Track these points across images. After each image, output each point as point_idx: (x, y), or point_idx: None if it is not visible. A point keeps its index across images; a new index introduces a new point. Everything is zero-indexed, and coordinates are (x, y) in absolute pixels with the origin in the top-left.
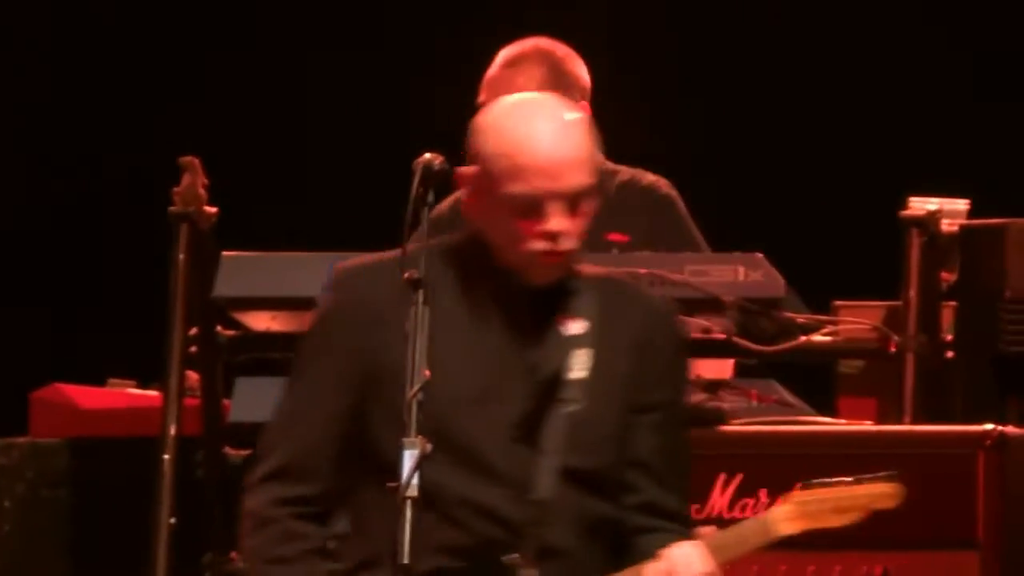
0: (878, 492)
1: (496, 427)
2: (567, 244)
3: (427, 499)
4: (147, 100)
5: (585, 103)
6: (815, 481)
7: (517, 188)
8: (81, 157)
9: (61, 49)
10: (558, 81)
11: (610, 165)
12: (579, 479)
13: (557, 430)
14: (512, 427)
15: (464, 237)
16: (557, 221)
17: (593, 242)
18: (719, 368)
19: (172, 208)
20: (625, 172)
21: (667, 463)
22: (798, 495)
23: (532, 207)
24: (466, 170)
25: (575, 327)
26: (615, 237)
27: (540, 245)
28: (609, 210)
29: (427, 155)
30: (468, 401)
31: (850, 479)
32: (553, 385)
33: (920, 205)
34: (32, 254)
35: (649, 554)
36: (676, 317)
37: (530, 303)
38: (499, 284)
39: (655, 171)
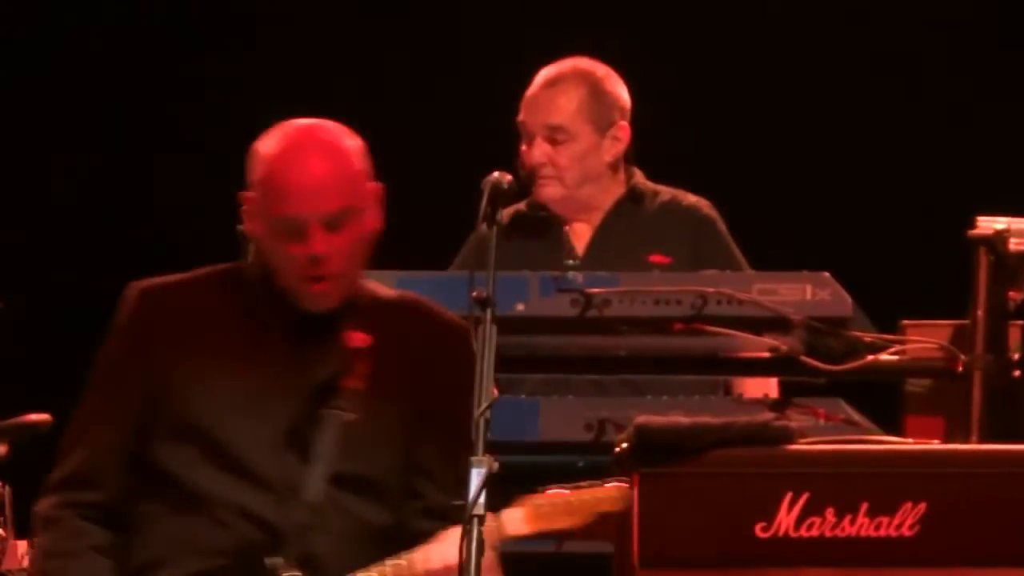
0: (603, 496)
1: (265, 435)
2: (329, 266)
3: (195, 503)
4: (219, 112)
5: (625, 123)
6: (549, 487)
7: (279, 211)
8: (151, 172)
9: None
10: (598, 101)
11: (650, 186)
12: (350, 485)
13: (329, 438)
14: (283, 435)
15: (255, 260)
16: (317, 243)
17: (635, 264)
18: (763, 387)
19: (240, 226)
20: (665, 193)
21: (449, 469)
22: (532, 498)
23: (294, 230)
24: (246, 195)
25: (357, 341)
26: (657, 259)
27: (303, 267)
28: (650, 231)
29: (495, 174)
30: (236, 410)
31: (585, 484)
32: (327, 395)
33: (988, 224)
34: (100, 271)
35: None
36: (466, 336)
37: (313, 320)
38: (282, 305)
39: (718, 192)
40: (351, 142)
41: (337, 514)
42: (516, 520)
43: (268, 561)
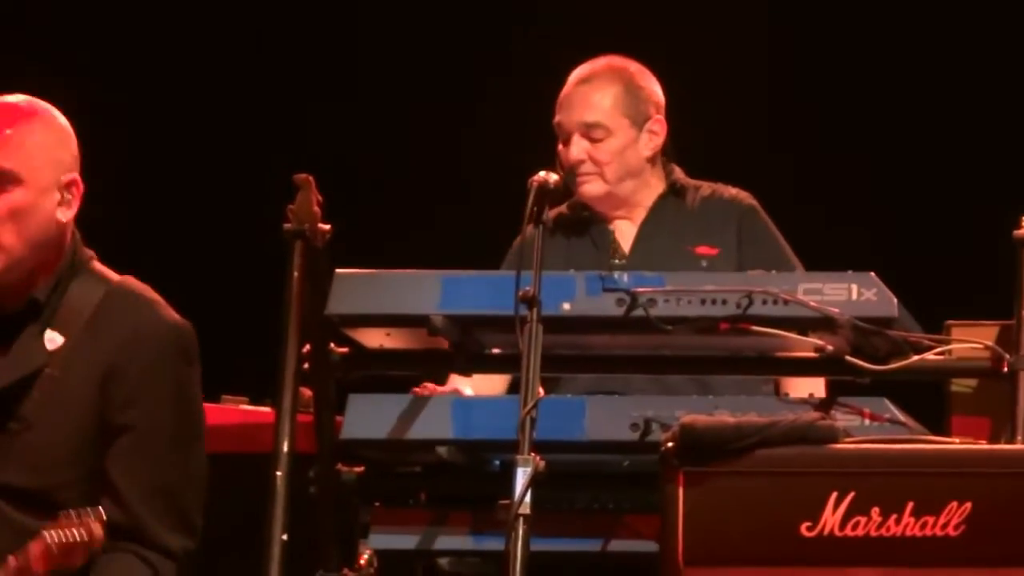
0: (87, 532)
1: None
2: None
3: None
4: (263, 116)
5: (660, 117)
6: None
7: None
8: (196, 174)
9: (173, 55)
10: (633, 96)
11: (691, 181)
12: (14, 497)
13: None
14: None
15: None
16: None
17: (682, 256)
18: (813, 387)
19: (287, 225)
20: (706, 187)
21: (132, 485)
22: (46, 534)
23: None
24: None
25: (50, 341)
26: (704, 250)
27: None
28: (695, 225)
29: (542, 173)
30: None
31: (72, 519)
32: (6, 402)
33: None
34: (145, 271)
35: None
36: (156, 340)
37: (10, 313)
38: None
39: (760, 191)
40: (49, 121)
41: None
42: (34, 556)
43: None
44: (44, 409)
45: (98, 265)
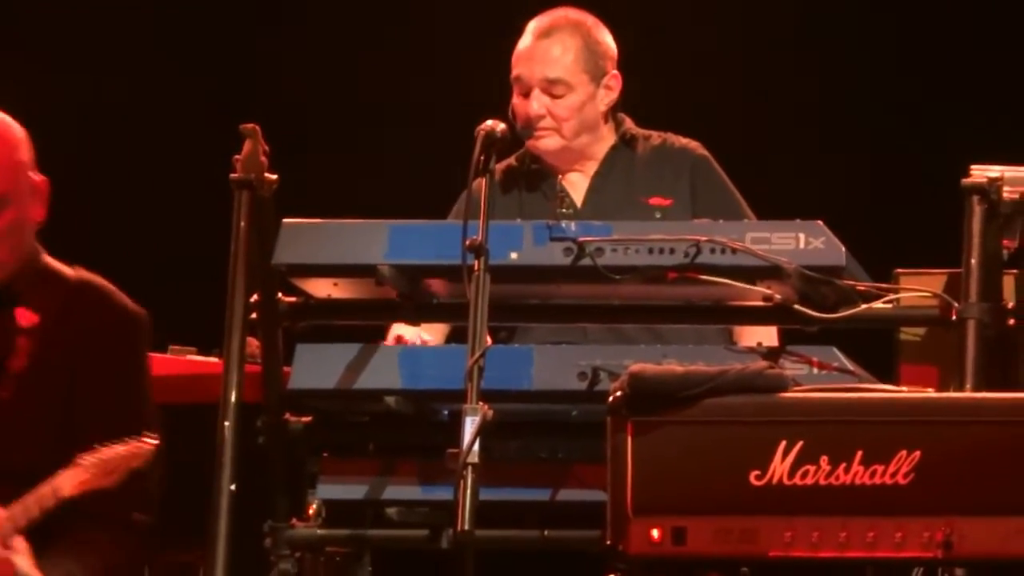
0: (129, 453)
1: None
2: None
3: None
4: (209, 64)
5: (616, 72)
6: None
7: None
8: (142, 123)
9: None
10: (592, 51)
11: (640, 130)
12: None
13: None
14: None
15: None
16: None
17: (636, 207)
18: (766, 336)
19: (233, 175)
20: (656, 136)
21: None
22: (81, 458)
23: None
24: None
25: (23, 321)
26: (657, 201)
27: None
28: (647, 175)
29: (489, 122)
30: None
31: (121, 445)
32: None
33: (982, 172)
34: (90, 220)
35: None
36: (134, 324)
37: None
38: None
39: (708, 139)
40: (16, 132)
41: None
42: (68, 481)
43: None
44: (27, 378)
45: (49, 258)
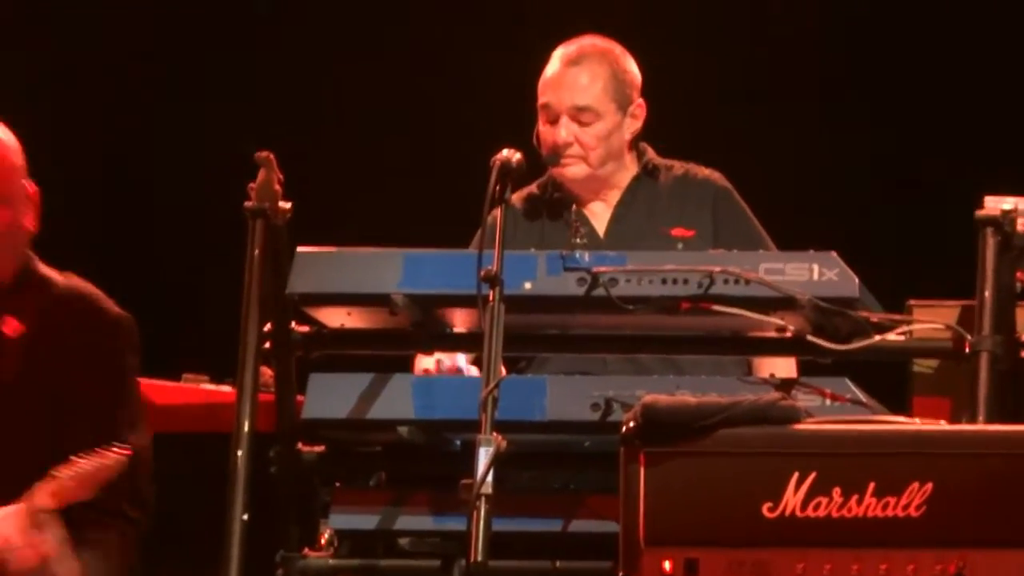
0: (104, 465)
1: None
2: None
3: None
4: (224, 96)
5: (641, 101)
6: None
7: None
8: (156, 151)
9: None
10: (620, 79)
11: (662, 160)
12: None
13: None
14: None
15: None
16: None
17: (658, 238)
18: (783, 367)
19: (247, 204)
20: (678, 167)
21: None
22: (57, 471)
23: None
24: None
25: (10, 330)
26: (680, 232)
27: None
28: (669, 206)
29: (505, 151)
30: None
31: (97, 457)
32: None
33: (995, 204)
34: (106, 251)
35: None
36: (123, 331)
37: None
38: None
39: (729, 170)
40: (11, 138)
41: None
42: (44, 495)
43: None
44: (14, 387)
45: (42, 265)
